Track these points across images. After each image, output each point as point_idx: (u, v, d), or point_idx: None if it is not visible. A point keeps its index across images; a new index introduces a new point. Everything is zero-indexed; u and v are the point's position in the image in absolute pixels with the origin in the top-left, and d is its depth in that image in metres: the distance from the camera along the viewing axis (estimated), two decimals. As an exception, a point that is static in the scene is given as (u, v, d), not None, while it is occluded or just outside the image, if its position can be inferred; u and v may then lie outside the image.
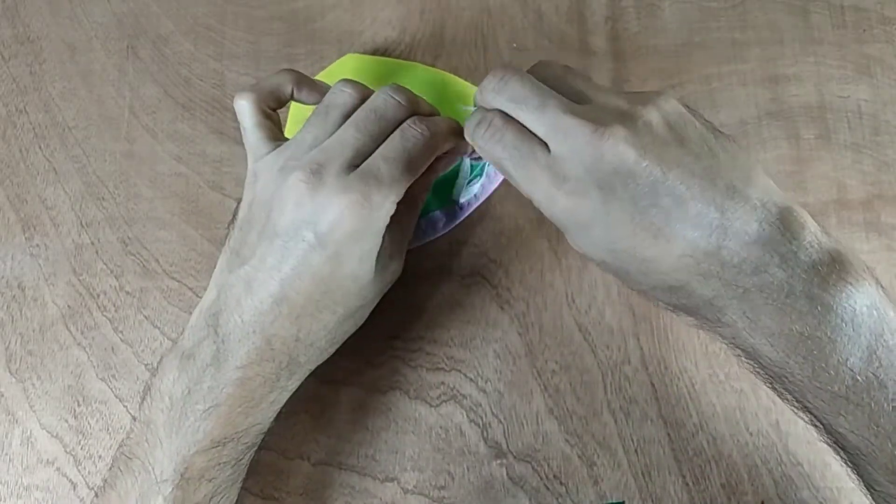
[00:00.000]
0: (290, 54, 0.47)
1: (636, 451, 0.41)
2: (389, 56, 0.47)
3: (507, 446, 0.42)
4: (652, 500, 0.41)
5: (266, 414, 0.36)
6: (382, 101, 0.35)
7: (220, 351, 0.34)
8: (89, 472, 0.42)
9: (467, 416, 0.42)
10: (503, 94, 0.33)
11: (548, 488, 0.41)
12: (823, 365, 0.30)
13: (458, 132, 0.36)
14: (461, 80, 0.44)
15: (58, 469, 0.42)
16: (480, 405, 0.42)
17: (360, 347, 0.43)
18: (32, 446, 0.43)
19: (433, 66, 0.46)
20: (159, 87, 0.47)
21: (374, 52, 0.47)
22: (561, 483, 0.41)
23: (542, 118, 0.32)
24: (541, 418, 0.42)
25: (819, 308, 0.30)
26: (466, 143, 0.36)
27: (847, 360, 0.30)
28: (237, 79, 0.47)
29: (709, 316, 0.33)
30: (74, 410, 0.43)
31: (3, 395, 0.43)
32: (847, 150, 0.45)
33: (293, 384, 0.37)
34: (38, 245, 0.45)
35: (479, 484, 0.41)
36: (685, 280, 0.32)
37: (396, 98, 0.35)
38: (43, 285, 0.45)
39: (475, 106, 0.35)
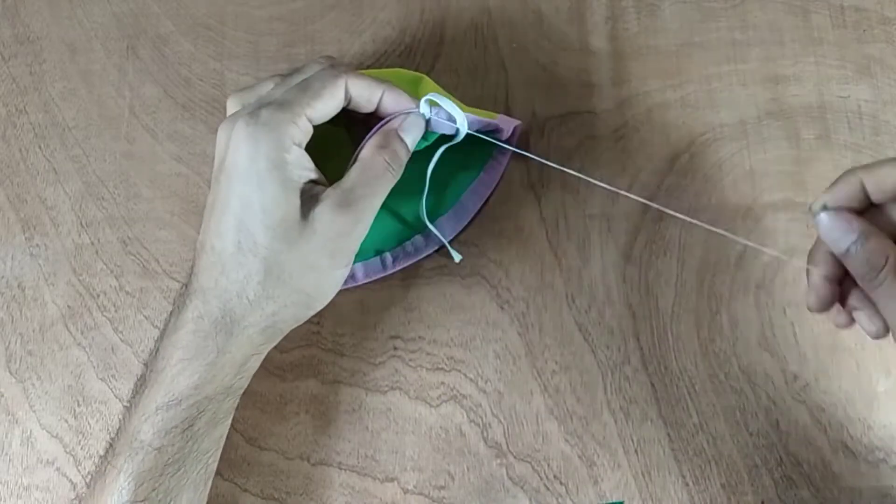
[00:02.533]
0: (290, 54, 0.47)
1: (636, 451, 0.41)
2: (390, 55, 0.47)
3: (507, 446, 0.42)
4: (652, 500, 0.41)
5: (205, 378, 0.35)
6: (311, 60, 0.38)
7: (173, 314, 0.36)
8: (89, 472, 0.42)
9: (467, 416, 0.42)
10: None
11: (548, 488, 0.41)
12: None
13: (386, 87, 0.37)
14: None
15: (58, 469, 0.42)
16: (480, 405, 0.42)
17: (360, 347, 0.43)
18: (32, 446, 0.43)
19: (433, 65, 0.46)
20: (159, 87, 0.47)
21: (374, 53, 0.47)
22: (561, 483, 0.41)
23: None
24: (541, 418, 0.42)
25: None
26: (405, 101, 0.37)
27: None
28: (237, 79, 0.47)
29: None
30: (74, 410, 0.43)
31: (3, 395, 0.43)
32: (847, 150, 0.45)
33: (234, 349, 0.35)
34: (38, 245, 0.45)
35: (479, 484, 0.41)
36: None
37: (322, 58, 0.38)
38: (43, 285, 0.45)
39: None
